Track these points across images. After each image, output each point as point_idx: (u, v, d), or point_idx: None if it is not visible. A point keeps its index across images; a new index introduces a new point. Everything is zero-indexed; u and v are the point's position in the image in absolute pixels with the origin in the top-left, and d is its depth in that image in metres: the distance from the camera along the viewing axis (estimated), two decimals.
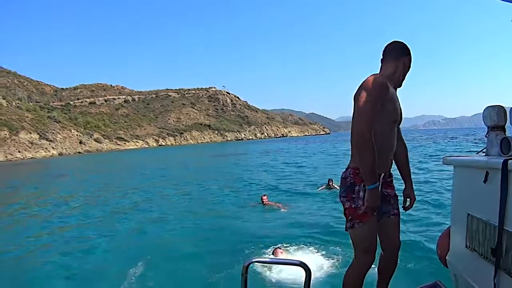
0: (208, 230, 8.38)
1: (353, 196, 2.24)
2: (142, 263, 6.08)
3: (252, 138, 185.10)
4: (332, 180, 12.72)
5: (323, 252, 6.13)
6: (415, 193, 2.59)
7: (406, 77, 2.40)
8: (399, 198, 2.54)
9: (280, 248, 5.83)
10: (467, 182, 2.50)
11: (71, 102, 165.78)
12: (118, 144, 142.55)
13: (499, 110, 2.45)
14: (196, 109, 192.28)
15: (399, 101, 2.41)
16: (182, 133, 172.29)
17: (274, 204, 10.61)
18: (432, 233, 6.08)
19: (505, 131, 2.47)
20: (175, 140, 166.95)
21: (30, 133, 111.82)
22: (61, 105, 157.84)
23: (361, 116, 2.12)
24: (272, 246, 6.24)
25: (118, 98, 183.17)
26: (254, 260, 1.71)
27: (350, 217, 2.27)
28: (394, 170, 2.53)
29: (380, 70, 2.41)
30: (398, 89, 2.42)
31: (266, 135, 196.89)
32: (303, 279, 1.51)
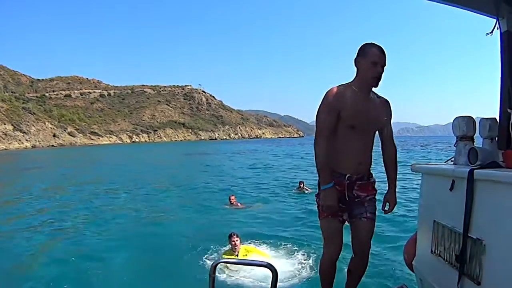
0: (174, 231, 8.14)
1: (319, 193, 2.47)
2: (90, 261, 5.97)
3: (226, 138, 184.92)
4: (303, 182, 12.81)
5: (290, 252, 6.18)
6: (396, 198, 2.57)
7: (379, 74, 2.31)
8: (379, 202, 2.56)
9: (235, 234, 5.58)
10: (434, 190, 2.55)
11: (47, 94, 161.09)
12: (92, 139, 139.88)
13: (469, 120, 2.53)
14: (171, 107, 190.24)
15: (375, 102, 2.43)
16: (156, 130, 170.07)
17: (242, 205, 10.61)
18: (399, 238, 6.20)
19: (473, 141, 2.55)
20: (148, 137, 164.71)
21: (5, 124, 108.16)
22: (36, 97, 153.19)
23: (316, 125, 2.39)
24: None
25: (94, 92, 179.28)
26: (222, 260, 1.89)
27: (318, 212, 2.54)
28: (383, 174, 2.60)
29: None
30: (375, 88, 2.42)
31: (240, 135, 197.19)
32: (270, 280, 1.50)
